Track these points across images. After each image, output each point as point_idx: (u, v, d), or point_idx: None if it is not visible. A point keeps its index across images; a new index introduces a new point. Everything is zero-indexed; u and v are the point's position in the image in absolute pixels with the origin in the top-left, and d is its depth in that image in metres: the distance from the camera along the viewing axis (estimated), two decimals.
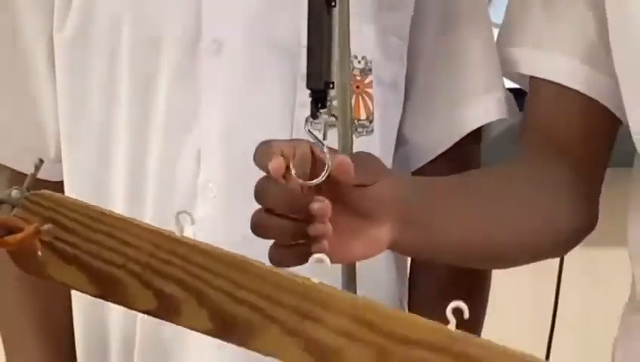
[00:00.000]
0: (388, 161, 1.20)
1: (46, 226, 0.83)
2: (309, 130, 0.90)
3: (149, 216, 1.13)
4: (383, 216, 0.97)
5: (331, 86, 0.88)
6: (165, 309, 0.86)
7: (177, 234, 0.85)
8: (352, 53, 1.09)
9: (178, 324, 0.88)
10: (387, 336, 0.81)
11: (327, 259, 0.84)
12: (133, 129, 1.17)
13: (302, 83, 0.99)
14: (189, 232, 0.85)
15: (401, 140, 1.24)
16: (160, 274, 0.86)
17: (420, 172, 1.23)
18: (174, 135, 1.16)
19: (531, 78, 1.17)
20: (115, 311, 1.20)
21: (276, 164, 0.86)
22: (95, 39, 1.21)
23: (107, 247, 0.86)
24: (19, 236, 0.83)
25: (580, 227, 1.13)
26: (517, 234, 1.12)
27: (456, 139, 1.23)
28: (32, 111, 1.26)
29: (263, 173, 0.90)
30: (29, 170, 0.91)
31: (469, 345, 0.79)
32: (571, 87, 1.13)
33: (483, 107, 1.23)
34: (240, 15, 1.14)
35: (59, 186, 1.21)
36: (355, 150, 1.05)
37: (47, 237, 0.84)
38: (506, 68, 1.20)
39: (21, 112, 1.26)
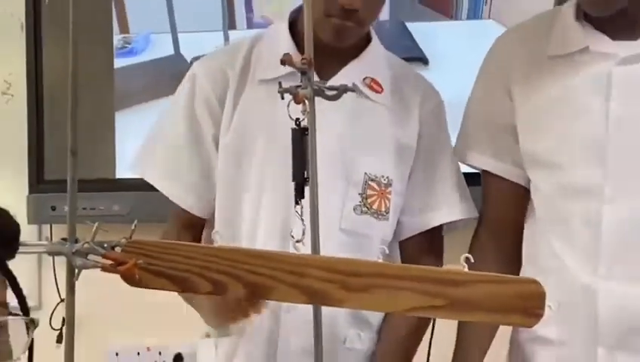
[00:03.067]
0: (391, 232, 1.78)
1: (140, 260, 1.14)
2: (296, 212, 1.30)
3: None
4: None
5: (306, 182, 1.29)
6: (218, 290, 1.19)
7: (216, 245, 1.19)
8: (381, 174, 1.75)
9: (226, 296, 1.22)
10: (347, 274, 1.18)
11: None
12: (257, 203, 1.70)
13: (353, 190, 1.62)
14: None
15: (398, 222, 1.78)
16: (211, 270, 1.18)
17: (405, 241, 1.81)
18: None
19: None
20: None
21: None
22: (245, 146, 1.67)
23: (177, 262, 1.18)
24: (124, 267, 1.14)
25: None
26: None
27: (433, 225, 1.80)
28: (208, 184, 1.73)
29: None
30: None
31: (402, 270, 1.20)
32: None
33: (450, 211, 1.78)
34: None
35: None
36: (375, 230, 1.76)
37: (141, 265, 1.14)
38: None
39: (202, 183, 1.74)
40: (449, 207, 1.80)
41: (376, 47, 1.78)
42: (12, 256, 0.97)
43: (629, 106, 1.47)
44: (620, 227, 1.48)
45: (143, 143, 1.82)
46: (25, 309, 0.87)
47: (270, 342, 1.72)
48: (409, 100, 1.77)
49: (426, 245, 1.83)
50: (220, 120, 1.72)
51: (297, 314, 1.64)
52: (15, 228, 0.96)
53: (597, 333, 1.48)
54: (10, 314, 0.91)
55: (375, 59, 1.77)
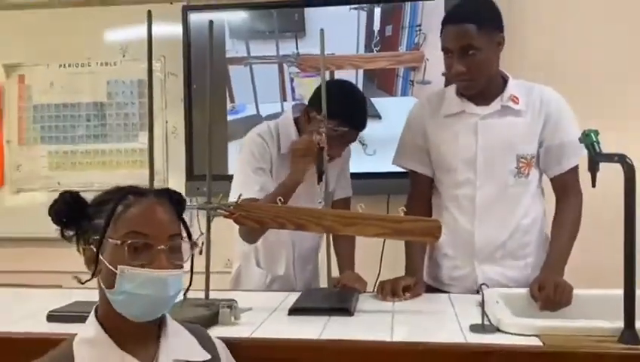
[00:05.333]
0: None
1: (242, 213, 1.15)
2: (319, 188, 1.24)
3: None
4: None
5: (324, 174, 1.27)
6: (281, 227, 1.19)
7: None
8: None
9: (286, 229, 1.19)
10: (342, 217, 1.18)
11: None
12: None
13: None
14: None
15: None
16: (277, 217, 1.18)
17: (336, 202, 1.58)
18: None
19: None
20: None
21: None
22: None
23: (259, 213, 1.18)
24: (234, 216, 1.16)
25: None
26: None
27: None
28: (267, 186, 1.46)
29: None
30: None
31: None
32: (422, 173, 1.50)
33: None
34: None
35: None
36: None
37: (242, 215, 1.15)
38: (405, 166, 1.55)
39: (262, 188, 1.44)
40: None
41: None
42: (183, 210, 0.89)
43: (486, 141, 1.46)
44: (484, 200, 1.45)
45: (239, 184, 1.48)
46: (190, 238, 0.86)
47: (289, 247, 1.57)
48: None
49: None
50: (270, 165, 1.50)
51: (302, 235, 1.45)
52: (183, 199, 0.89)
53: (473, 253, 1.46)
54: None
55: None
